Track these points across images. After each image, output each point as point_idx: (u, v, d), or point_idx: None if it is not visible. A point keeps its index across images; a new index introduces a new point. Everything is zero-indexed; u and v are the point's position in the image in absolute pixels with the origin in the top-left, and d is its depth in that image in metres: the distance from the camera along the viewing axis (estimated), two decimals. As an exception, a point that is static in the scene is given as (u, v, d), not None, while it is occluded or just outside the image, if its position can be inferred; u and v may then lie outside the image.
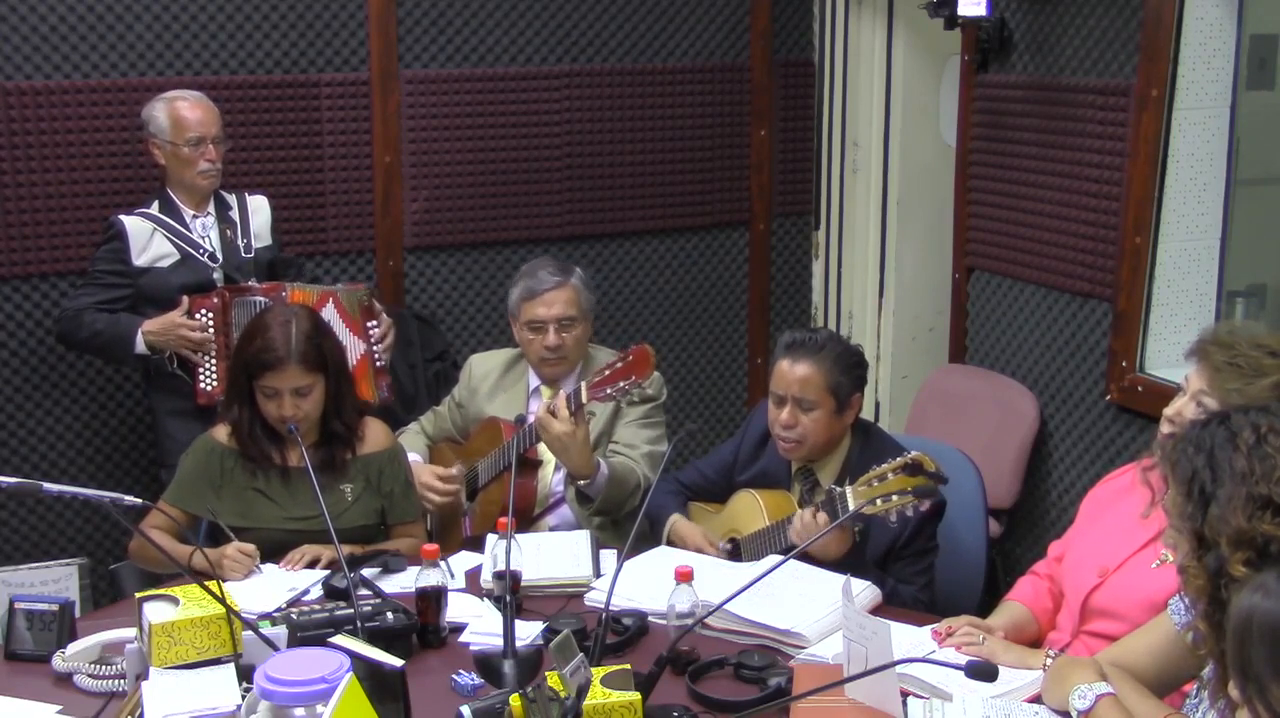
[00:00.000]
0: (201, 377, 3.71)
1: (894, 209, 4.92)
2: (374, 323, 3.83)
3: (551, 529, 3.50)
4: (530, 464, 3.49)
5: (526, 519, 3.48)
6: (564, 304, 3.53)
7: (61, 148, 4.07)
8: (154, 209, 3.77)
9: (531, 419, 3.53)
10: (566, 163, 4.71)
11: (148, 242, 3.72)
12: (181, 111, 3.74)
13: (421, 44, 4.47)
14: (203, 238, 3.78)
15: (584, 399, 3.27)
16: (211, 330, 3.67)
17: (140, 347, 3.68)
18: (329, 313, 3.67)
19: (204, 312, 3.68)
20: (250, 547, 2.94)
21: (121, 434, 4.28)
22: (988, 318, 4.31)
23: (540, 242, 4.66)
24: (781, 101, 5.01)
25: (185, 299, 3.67)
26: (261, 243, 3.89)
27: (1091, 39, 3.79)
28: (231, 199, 3.89)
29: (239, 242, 3.83)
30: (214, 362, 3.69)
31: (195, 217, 3.80)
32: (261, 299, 3.67)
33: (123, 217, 3.74)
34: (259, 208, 3.93)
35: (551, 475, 3.55)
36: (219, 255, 3.78)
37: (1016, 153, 4.10)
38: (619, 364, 3.23)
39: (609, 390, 3.23)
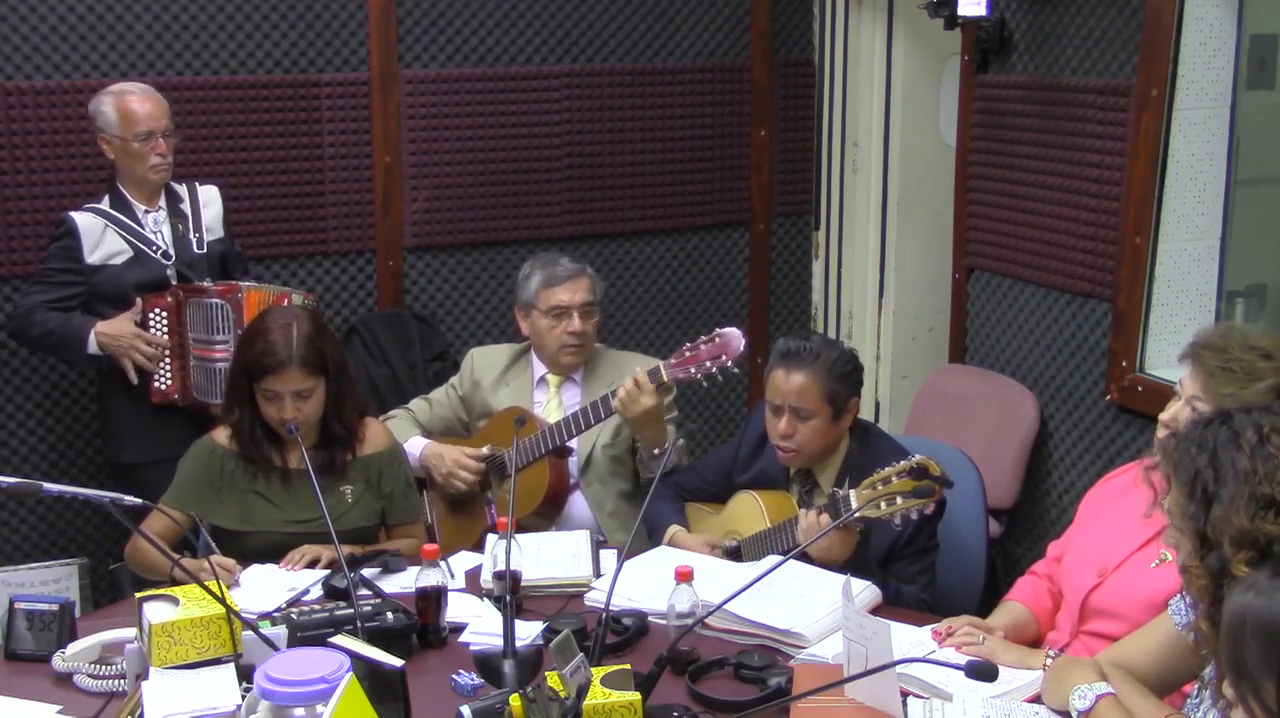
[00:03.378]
0: (155, 376, 3.68)
1: (894, 209, 4.92)
2: None
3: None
4: (564, 452, 3.51)
5: (558, 507, 3.52)
6: (584, 291, 3.58)
7: (61, 147, 4.07)
8: (105, 204, 3.73)
9: (539, 409, 3.56)
10: (566, 163, 4.71)
11: (100, 239, 3.67)
12: (130, 105, 3.68)
13: (421, 44, 4.47)
14: (155, 233, 3.74)
15: (664, 377, 3.29)
16: (165, 332, 3.64)
17: (92, 347, 3.64)
18: None
19: (158, 311, 3.64)
20: (230, 561, 2.91)
21: (121, 434, 4.28)
22: (988, 318, 4.31)
23: (540, 242, 4.65)
24: (781, 101, 5.01)
25: (139, 301, 3.64)
26: (213, 235, 3.84)
27: (1091, 39, 3.79)
28: (182, 191, 3.83)
29: (191, 236, 3.78)
30: (168, 361, 3.67)
31: (147, 212, 3.75)
32: (217, 301, 3.63)
33: (74, 214, 3.69)
34: (210, 199, 3.87)
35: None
36: (172, 252, 3.73)
37: (1016, 153, 4.10)
38: (704, 343, 3.26)
39: (693, 370, 3.26)
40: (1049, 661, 2.41)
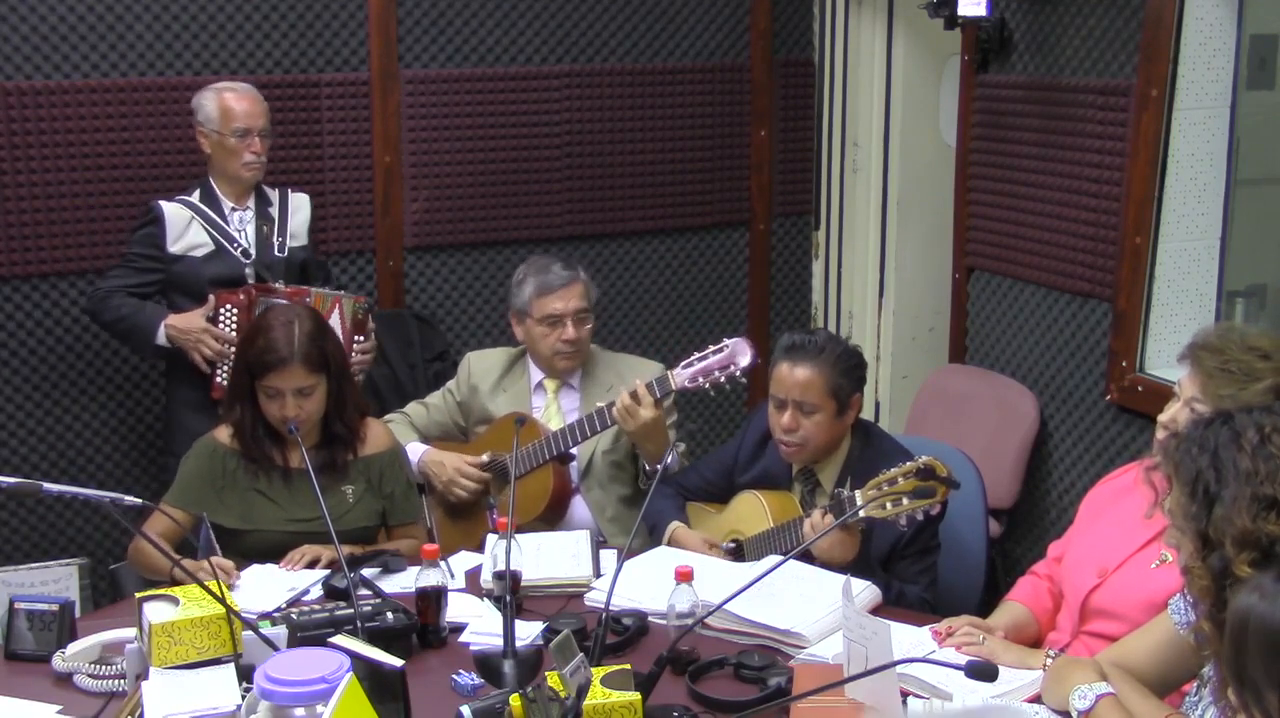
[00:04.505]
0: (219, 372, 3.69)
1: (894, 209, 4.92)
2: (361, 337, 3.78)
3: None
4: (565, 458, 3.50)
5: (561, 513, 3.51)
6: (578, 298, 3.56)
7: (61, 148, 4.07)
8: (195, 198, 3.77)
9: (538, 414, 3.55)
10: (566, 163, 4.71)
11: (184, 229, 3.72)
12: (229, 102, 3.74)
13: (421, 44, 4.47)
14: (239, 231, 3.78)
15: (672, 386, 3.28)
16: (235, 329, 3.65)
17: (161, 338, 3.68)
18: (334, 318, 3.66)
19: (229, 308, 3.66)
20: (228, 563, 2.89)
21: (122, 434, 4.28)
22: (988, 318, 4.31)
23: (540, 242, 4.65)
24: (781, 101, 5.01)
25: (212, 298, 3.66)
26: (297, 242, 3.87)
27: (1091, 39, 3.79)
28: (273, 195, 3.88)
29: (274, 239, 3.82)
30: (233, 358, 3.67)
31: (234, 209, 3.79)
32: (283, 302, 3.62)
33: (162, 202, 3.74)
34: (300, 206, 3.92)
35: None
36: (252, 251, 3.77)
37: (1016, 153, 4.10)
38: (712, 352, 3.25)
39: (701, 380, 3.25)
40: (1049, 661, 2.41)
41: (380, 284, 4.53)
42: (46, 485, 2.42)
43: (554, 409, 3.62)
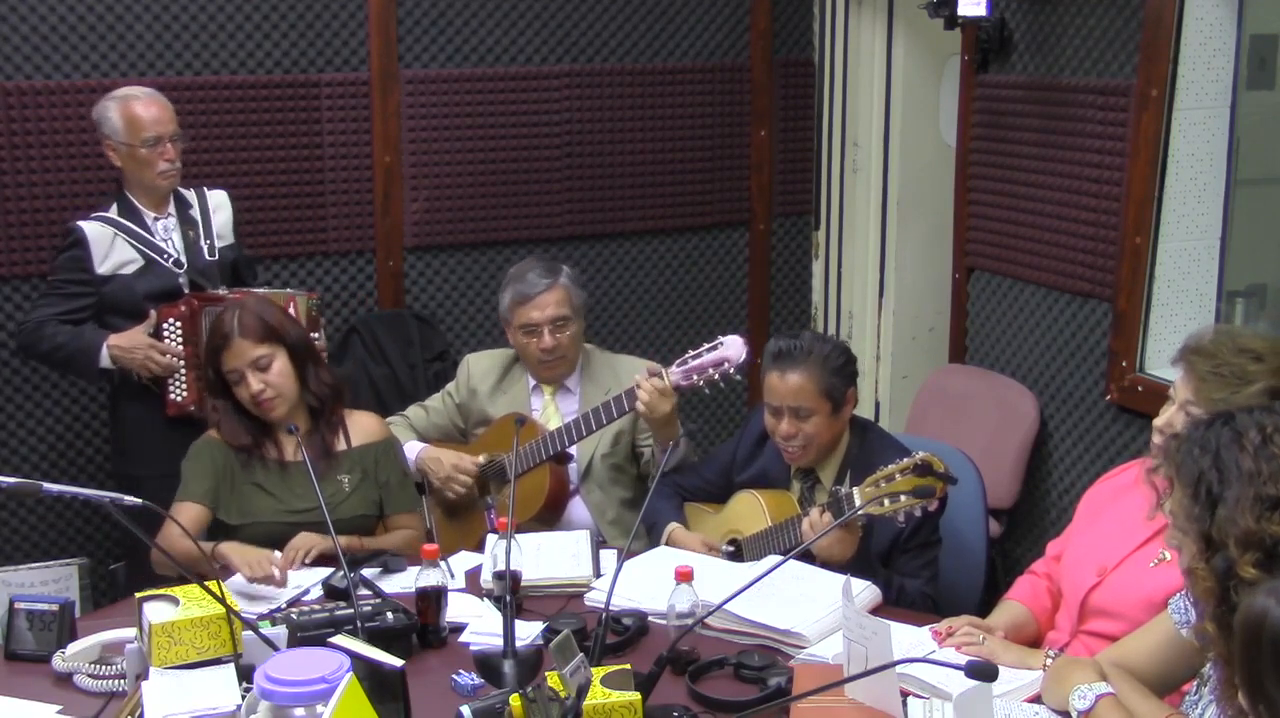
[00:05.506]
0: (171, 387, 3.59)
1: (894, 209, 4.92)
2: (316, 334, 3.67)
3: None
4: (563, 458, 3.50)
5: (558, 512, 3.51)
6: (556, 305, 3.53)
7: (61, 148, 4.06)
8: (113, 212, 3.64)
9: (536, 416, 3.55)
10: (566, 163, 4.71)
11: (109, 248, 3.59)
12: (135, 110, 3.58)
13: (421, 44, 4.47)
14: (165, 241, 3.65)
15: (667, 384, 3.27)
16: (180, 343, 3.56)
17: (105, 361, 3.55)
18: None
19: (172, 321, 3.55)
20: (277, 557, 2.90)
21: (121, 434, 4.28)
22: (988, 318, 4.31)
23: (540, 242, 4.66)
24: (781, 101, 5.01)
25: (153, 313, 3.55)
26: (224, 242, 3.77)
27: (1091, 39, 3.79)
28: (191, 196, 3.76)
29: (202, 243, 3.71)
30: (184, 372, 3.58)
31: (156, 219, 3.67)
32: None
33: (82, 223, 3.59)
34: (220, 204, 3.80)
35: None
36: (183, 260, 3.65)
37: (1016, 153, 4.10)
38: (706, 350, 3.25)
39: (696, 378, 3.25)
40: (1049, 661, 2.42)
41: (380, 284, 4.53)
42: (46, 485, 2.41)
43: (552, 410, 3.62)
